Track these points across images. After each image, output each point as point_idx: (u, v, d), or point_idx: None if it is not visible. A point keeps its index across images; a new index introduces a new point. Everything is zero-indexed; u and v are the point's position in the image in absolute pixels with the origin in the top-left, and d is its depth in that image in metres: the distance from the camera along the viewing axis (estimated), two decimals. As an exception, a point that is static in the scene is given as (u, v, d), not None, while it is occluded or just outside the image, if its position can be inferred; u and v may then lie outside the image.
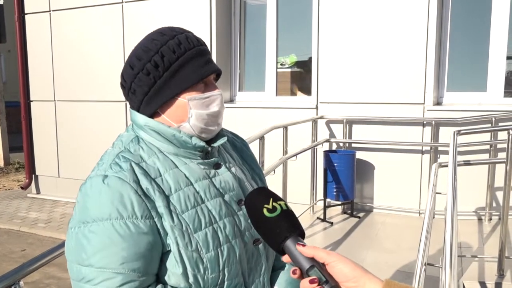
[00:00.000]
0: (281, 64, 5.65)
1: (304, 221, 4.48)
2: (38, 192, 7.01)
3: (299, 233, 0.82)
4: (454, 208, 1.82)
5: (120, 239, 0.90)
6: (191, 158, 1.04)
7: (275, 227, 0.81)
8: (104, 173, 0.95)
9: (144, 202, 0.93)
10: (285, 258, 0.80)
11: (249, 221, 0.96)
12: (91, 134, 6.28)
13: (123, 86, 1.07)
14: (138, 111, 1.05)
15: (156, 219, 0.95)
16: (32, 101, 6.78)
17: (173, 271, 0.96)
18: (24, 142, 6.92)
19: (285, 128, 3.82)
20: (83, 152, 6.35)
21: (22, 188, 7.17)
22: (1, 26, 9.46)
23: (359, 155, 4.85)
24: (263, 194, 0.88)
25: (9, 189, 7.73)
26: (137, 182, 0.95)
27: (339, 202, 4.73)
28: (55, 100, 6.55)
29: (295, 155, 3.95)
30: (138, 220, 0.92)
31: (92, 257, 0.90)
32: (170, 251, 0.96)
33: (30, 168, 6.95)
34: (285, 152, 3.86)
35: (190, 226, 0.97)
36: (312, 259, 0.76)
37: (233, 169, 1.12)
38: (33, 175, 7.00)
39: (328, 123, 5.03)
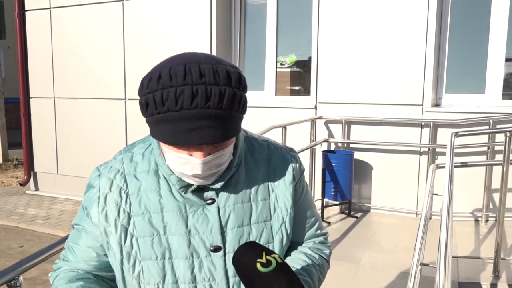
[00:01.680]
0: (281, 64, 5.67)
1: (301, 221, 4.50)
2: (36, 188, 7.02)
3: None
4: (450, 209, 1.84)
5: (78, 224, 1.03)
6: (180, 185, 0.97)
7: (273, 283, 0.75)
8: (100, 167, 1.03)
9: (99, 215, 0.98)
10: None
11: (214, 272, 0.95)
12: (90, 131, 6.29)
13: None
14: None
15: (106, 232, 0.98)
16: (31, 97, 6.79)
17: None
18: (23, 139, 6.92)
19: (284, 127, 3.83)
20: (82, 149, 6.35)
21: (20, 184, 7.18)
22: (1, 23, 9.46)
23: (357, 155, 4.87)
24: (254, 248, 0.81)
25: (7, 186, 7.74)
26: (109, 190, 0.99)
27: (337, 202, 4.75)
28: (54, 97, 6.56)
29: (294, 154, 3.97)
30: (92, 220, 1.00)
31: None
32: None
33: (28, 164, 6.96)
34: (283, 151, 3.88)
35: (140, 252, 0.95)
36: None
37: (232, 207, 0.99)
38: (31, 172, 7.01)
39: (327, 123, 5.05)
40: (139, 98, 0.91)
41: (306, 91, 5.37)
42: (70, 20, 6.31)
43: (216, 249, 0.96)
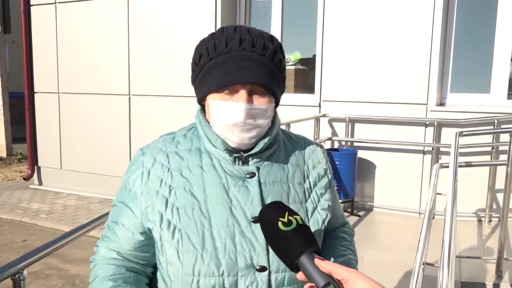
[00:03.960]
0: (286, 61, 5.65)
1: (304, 219, 4.50)
2: (40, 183, 7.05)
3: (314, 249, 0.78)
4: (453, 209, 1.83)
5: (123, 198, 1.08)
6: (224, 159, 1.03)
7: (290, 241, 0.78)
8: (143, 148, 1.09)
9: (141, 189, 1.02)
10: (299, 275, 0.78)
11: (255, 243, 0.97)
12: (94, 126, 6.30)
13: None
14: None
15: (147, 206, 1.01)
16: (36, 92, 6.80)
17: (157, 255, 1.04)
18: (27, 133, 6.94)
19: (288, 125, 3.83)
20: (86, 144, 6.37)
21: (24, 179, 7.21)
22: (6, 17, 9.47)
23: (361, 154, 4.87)
24: (278, 207, 0.85)
25: (11, 180, 7.77)
26: (151, 166, 1.03)
27: (340, 201, 4.73)
28: (59, 92, 6.57)
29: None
30: (134, 194, 1.04)
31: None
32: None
33: (32, 159, 6.98)
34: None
35: (180, 221, 0.97)
36: (328, 276, 0.73)
37: (270, 185, 1.03)
38: (35, 166, 7.03)
39: (331, 121, 5.04)
40: (192, 65, 1.05)
41: (310, 89, 5.36)
42: (75, 15, 6.31)
43: (257, 220, 0.96)
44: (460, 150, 4.03)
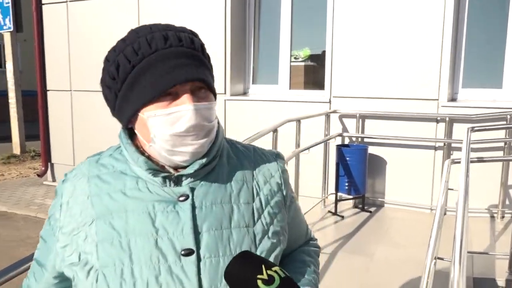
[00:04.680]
0: (295, 58, 5.66)
1: (315, 215, 4.52)
2: (53, 179, 7.15)
3: None
4: (465, 205, 1.83)
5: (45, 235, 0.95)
6: (150, 182, 0.88)
7: None
8: (68, 172, 0.95)
9: (61, 222, 0.89)
10: None
11: (184, 281, 0.80)
12: (105, 123, 6.36)
13: None
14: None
15: (65, 240, 0.87)
16: (48, 90, 6.89)
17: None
18: (40, 131, 7.04)
19: (298, 121, 3.84)
20: (98, 141, 6.44)
21: (38, 175, 7.32)
22: (18, 16, 9.58)
23: (372, 150, 4.86)
24: (251, 261, 0.71)
25: (25, 176, 7.89)
26: (71, 195, 0.89)
27: (351, 196, 4.74)
28: (71, 90, 6.65)
29: (308, 148, 3.98)
30: (53, 230, 0.91)
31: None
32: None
33: (46, 156, 7.09)
34: (297, 145, 3.89)
35: (98, 259, 0.82)
36: None
37: (209, 209, 0.87)
38: (48, 163, 7.13)
39: (341, 117, 5.04)
40: (102, 89, 0.89)
41: (320, 85, 5.35)
42: (86, 13, 6.37)
43: (188, 253, 0.82)
44: (472, 146, 4.00)
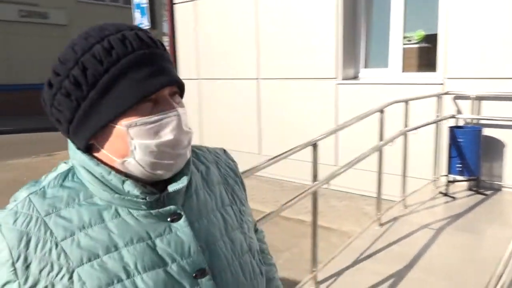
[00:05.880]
0: (408, 40, 5.67)
1: (425, 195, 4.61)
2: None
3: None
4: None
5: None
6: (131, 207, 0.74)
7: None
8: (2, 216, 0.71)
9: (18, 281, 0.67)
10: None
11: None
12: (227, 108, 7.10)
13: (45, 110, 0.76)
14: (71, 141, 0.77)
15: None
16: (180, 79, 7.85)
17: None
18: (173, 115, 8.08)
19: (407, 102, 3.96)
20: (222, 125, 7.22)
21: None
22: (153, 15, 10.90)
23: (488, 131, 4.74)
24: None
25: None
26: (26, 247, 0.68)
27: (463, 178, 4.71)
28: (198, 79, 7.51)
29: (416, 128, 4.06)
30: None
31: None
32: None
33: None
34: (405, 126, 4.02)
35: None
36: None
37: (203, 221, 0.80)
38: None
39: (455, 98, 4.98)
40: (51, 100, 0.73)
41: (432, 67, 5.32)
42: (211, 10, 7.12)
43: (201, 273, 0.75)
44: None
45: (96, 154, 0.75)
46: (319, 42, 5.83)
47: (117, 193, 0.73)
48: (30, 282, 0.67)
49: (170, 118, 0.73)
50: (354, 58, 5.93)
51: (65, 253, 0.68)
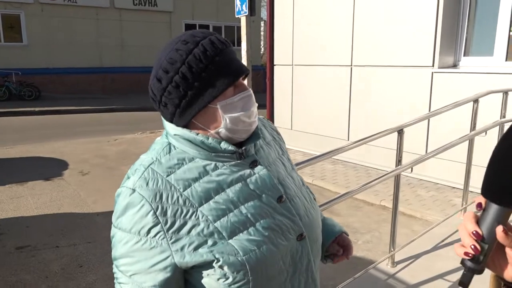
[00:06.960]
0: (516, 27, 5.30)
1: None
2: (274, 141, 8.48)
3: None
4: None
5: (134, 252, 0.93)
6: (224, 161, 1.00)
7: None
8: (132, 186, 0.94)
9: (161, 223, 0.90)
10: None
11: (291, 216, 1.02)
12: (319, 93, 7.25)
13: (153, 99, 1.02)
14: (171, 122, 1.02)
15: (182, 243, 0.92)
16: (275, 65, 8.16)
17: (210, 280, 0.95)
18: (267, 100, 8.43)
19: (505, 93, 3.80)
20: (312, 109, 7.40)
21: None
22: (252, 2, 11.33)
23: None
24: None
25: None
26: (160, 200, 0.92)
27: None
28: (292, 64, 7.75)
29: (514, 120, 3.89)
30: (151, 238, 0.91)
31: (117, 260, 0.97)
32: (200, 265, 0.93)
33: (270, 120, 8.43)
34: (502, 116, 3.86)
35: (223, 233, 0.93)
36: (494, 236, 0.65)
37: (272, 165, 1.07)
38: (271, 127, 8.47)
39: None
40: (162, 91, 0.99)
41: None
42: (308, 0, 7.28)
43: (281, 199, 1.02)
44: None
45: (191, 128, 1.01)
46: (417, 28, 5.69)
47: (214, 152, 0.98)
48: (169, 222, 0.91)
49: (247, 97, 1.00)
50: (454, 45, 5.69)
51: (189, 199, 0.93)
